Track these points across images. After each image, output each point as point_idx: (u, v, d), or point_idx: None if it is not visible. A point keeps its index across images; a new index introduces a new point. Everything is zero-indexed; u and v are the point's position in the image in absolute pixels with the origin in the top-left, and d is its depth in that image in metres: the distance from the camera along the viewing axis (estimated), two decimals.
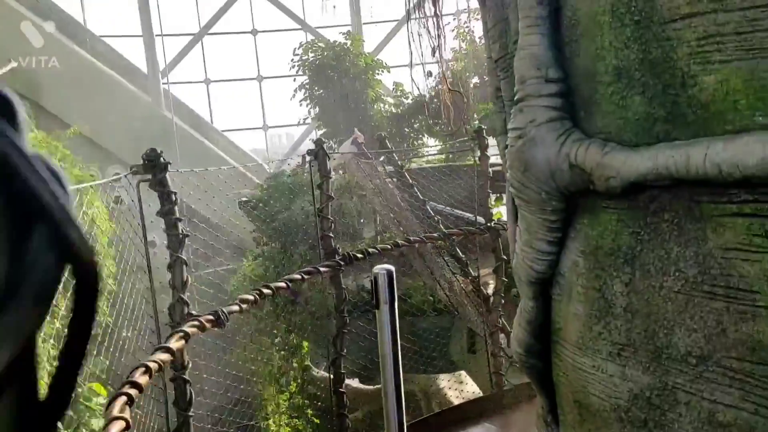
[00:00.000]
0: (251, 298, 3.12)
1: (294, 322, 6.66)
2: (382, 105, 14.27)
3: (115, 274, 10.87)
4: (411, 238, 4.48)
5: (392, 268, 2.24)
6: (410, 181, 6.35)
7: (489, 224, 6.28)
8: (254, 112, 19.52)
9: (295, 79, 14.76)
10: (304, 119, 15.24)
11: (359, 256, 4.07)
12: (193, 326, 3.15)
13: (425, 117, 12.74)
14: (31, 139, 11.53)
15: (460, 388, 8.45)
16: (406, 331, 6.57)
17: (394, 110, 14.10)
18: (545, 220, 1.60)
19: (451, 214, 7.00)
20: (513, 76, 1.72)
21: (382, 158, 6.39)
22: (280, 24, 19.43)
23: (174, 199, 3.29)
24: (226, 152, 18.37)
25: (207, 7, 19.03)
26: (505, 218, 9.45)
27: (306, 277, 3.30)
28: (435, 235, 5.14)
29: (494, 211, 9.17)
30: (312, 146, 5.04)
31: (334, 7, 13.64)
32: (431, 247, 5.80)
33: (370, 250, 4.24)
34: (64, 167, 11.62)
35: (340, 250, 4.57)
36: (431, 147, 14.32)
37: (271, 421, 6.96)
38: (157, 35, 17.40)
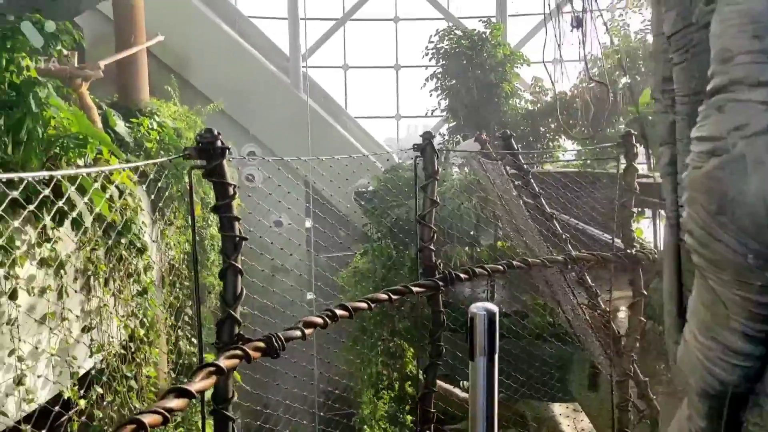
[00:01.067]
0: (319, 321, 2.63)
1: (398, 328, 6.23)
2: (517, 100, 13.42)
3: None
4: (529, 260, 3.80)
5: (495, 308, 1.68)
6: (537, 189, 5.56)
7: (629, 251, 5.40)
8: (389, 101, 19.35)
9: (427, 68, 14.27)
10: (433, 110, 14.72)
11: (463, 276, 3.45)
12: (233, 357, 2.63)
13: (563, 116, 11.77)
14: (173, 112, 11.98)
15: (574, 417, 7.67)
16: (520, 354, 5.90)
17: (530, 107, 13.20)
18: (748, 300, 0.91)
19: (583, 231, 6.16)
20: (696, 58, 1.09)
21: (506, 159, 5.69)
22: (422, 12, 19.06)
23: (232, 192, 2.79)
24: (358, 139, 18.35)
25: None
26: (645, 237, 8.44)
27: (394, 297, 2.79)
28: (560, 258, 4.39)
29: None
30: (439, 140, 4.57)
31: None
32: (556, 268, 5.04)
33: (478, 270, 3.60)
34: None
35: (440, 265, 3.99)
36: (567, 151, 13.31)
37: (366, 426, 6.60)
38: (301, 18, 17.60)
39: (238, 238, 2.80)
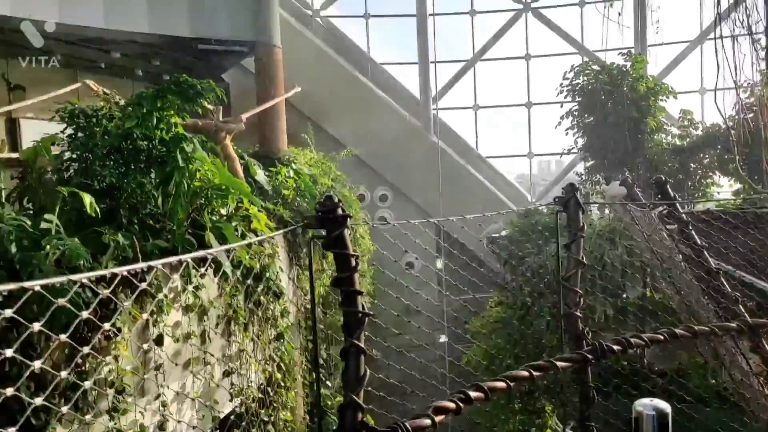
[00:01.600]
0: (451, 406, 2.37)
1: (537, 382, 5.80)
2: (663, 135, 12.44)
3: (372, 292, 11.14)
4: (696, 328, 3.25)
5: (666, 407, 1.40)
6: (698, 241, 4.89)
7: None
8: (521, 139, 18.97)
9: (562, 105, 13.69)
10: (569, 149, 14.06)
11: (617, 348, 3.00)
12: None
13: (717, 151, 10.76)
14: (309, 159, 12.40)
15: None
16: (679, 419, 5.25)
17: (678, 142, 12.18)
18: None
19: (751, 285, 5.34)
20: None
21: (661, 209, 5.10)
22: (555, 48, 18.64)
23: (354, 264, 2.56)
24: (489, 179, 18.09)
25: (481, 33, 19.01)
26: None
27: (536, 374, 2.48)
28: (733, 325, 3.76)
29: None
30: (575, 180, 4.23)
31: (620, 23, 12.34)
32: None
33: (633, 340, 3.10)
34: (334, 187, 12.31)
35: (588, 334, 3.49)
36: (722, 189, 12.11)
37: None
38: (431, 62, 17.79)
39: (360, 314, 2.58)
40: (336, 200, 2.58)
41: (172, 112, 6.32)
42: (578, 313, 3.47)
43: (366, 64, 18.35)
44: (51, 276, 4.43)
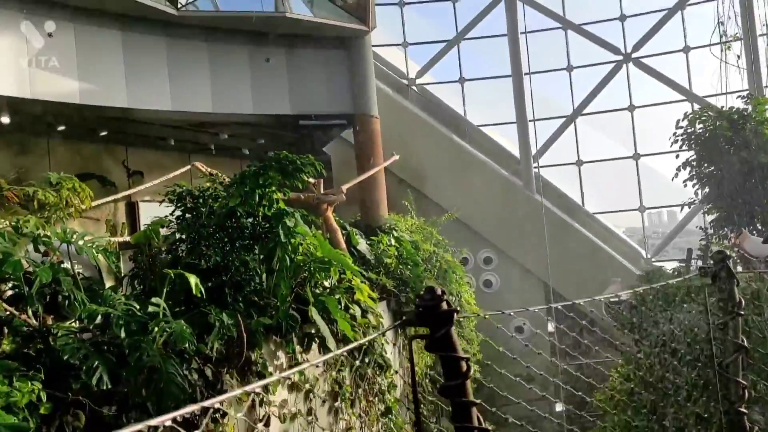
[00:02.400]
0: None
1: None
2: None
3: (481, 360, 10.67)
4: None
5: None
6: None
7: None
8: (630, 192, 18.03)
9: (678, 156, 12.78)
10: (691, 201, 13.04)
11: None
12: None
13: None
14: (410, 225, 12.32)
15: None
16: None
17: None
18: None
19: None
20: None
21: None
22: (661, 96, 17.85)
23: (465, 368, 2.08)
24: (598, 235, 17.25)
25: (581, 88, 18.57)
26: None
27: None
28: None
29: None
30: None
31: (739, 66, 11.47)
32: None
33: None
34: (436, 252, 12.12)
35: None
36: None
37: None
38: (530, 120, 17.50)
39: (476, 431, 2.11)
40: (439, 292, 2.14)
41: (274, 188, 6.42)
42: (743, 409, 2.90)
43: (463, 127, 18.32)
44: (156, 359, 4.45)
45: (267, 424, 5.43)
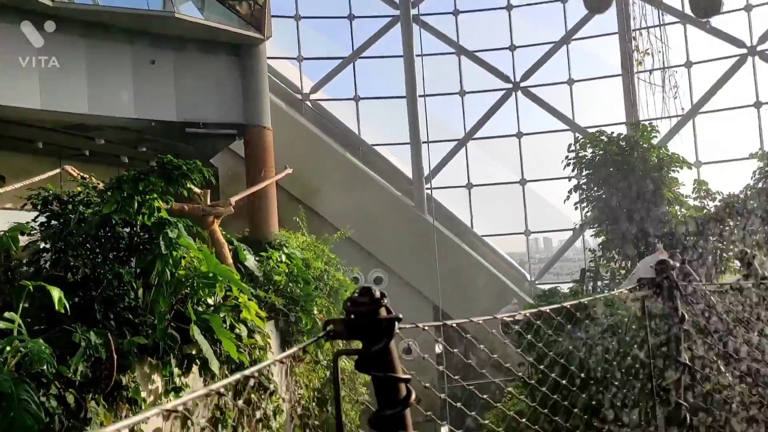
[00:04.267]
0: None
1: None
2: (678, 209, 11.87)
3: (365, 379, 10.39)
4: None
5: None
6: None
7: None
8: (515, 216, 18.60)
9: (570, 179, 13.21)
10: (581, 225, 13.51)
11: None
12: None
13: (738, 223, 10.24)
14: (301, 242, 11.90)
15: None
16: None
17: (694, 214, 11.60)
18: None
19: None
20: None
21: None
22: (546, 125, 18.63)
23: (406, 394, 1.60)
24: (486, 257, 17.60)
25: (473, 113, 19.03)
26: None
27: None
28: None
29: None
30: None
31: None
32: None
33: None
34: (327, 270, 11.75)
35: None
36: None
37: None
38: (423, 142, 17.65)
39: None
40: (378, 294, 1.67)
41: (155, 195, 5.87)
42: None
43: (357, 145, 18.21)
44: (7, 384, 3.83)
45: None
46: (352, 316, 1.61)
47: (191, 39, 10.91)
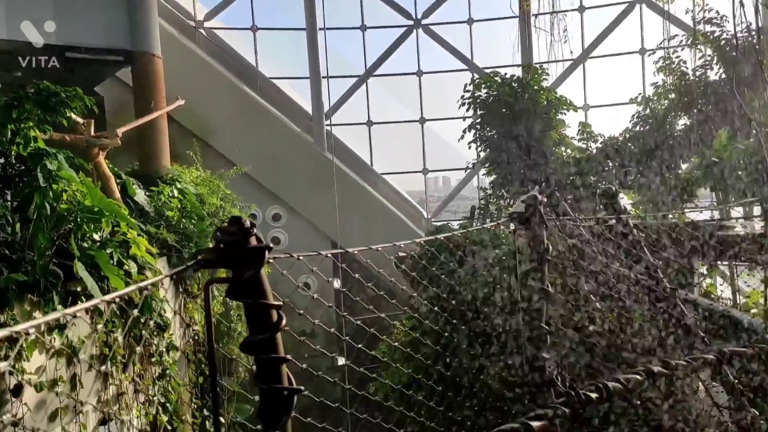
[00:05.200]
0: None
1: None
2: (564, 149, 12.52)
3: None
4: (673, 363, 2.88)
5: None
6: (649, 257, 4.49)
7: None
8: (414, 155, 18.87)
9: (465, 119, 13.51)
10: (473, 163, 13.92)
11: (595, 396, 2.51)
12: None
13: (616, 164, 10.94)
14: (195, 178, 11.55)
15: None
16: None
17: (578, 155, 12.29)
18: None
19: (702, 305, 5.01)
20: None
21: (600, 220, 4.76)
22: (445, 65, 18.78)
23: (276, 319, 1.73)
24: (385, 196, 17.84)
25: (373, 50, 18.84)
26: (722, 294, 7.57)
27: None
28: (709, 357, 3.29)
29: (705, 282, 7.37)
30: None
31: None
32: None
33: (612, 385, 2.62)
34: (223, 206, 11.51)
35: (558, 379, 2.77)
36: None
37: None
38: (323, 77, 17.36)
39: (287, 393, 1.72)
40: (248, 224, 1.71)
41: (31, 124, 5.47)
42: (546, 355, 2.93)
43: (255, 78, 17.65)
44: None
45: (17, 394, 4.67)
46: (223, 246, 1.62)
47: None
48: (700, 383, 3.59)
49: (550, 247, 3.14)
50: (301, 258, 2.23)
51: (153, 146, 11.00)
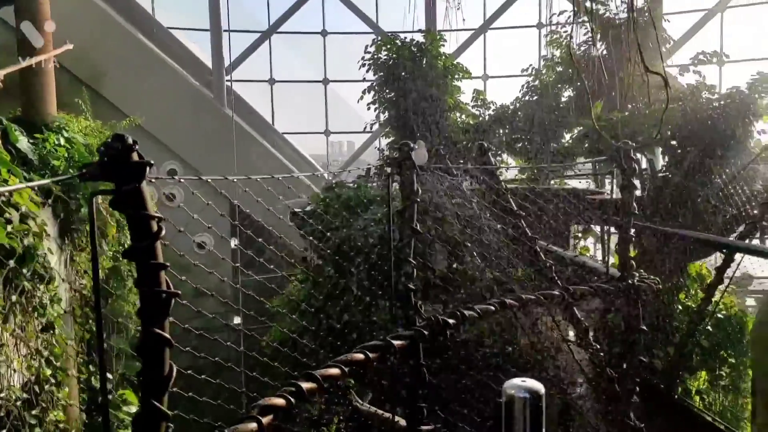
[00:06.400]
0: (281, 402, 1.98)
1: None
2: (459, 114, 12.98)
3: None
4: (523, 296, 3.24)
5: (540, 388, 1.19)
6: (515, 208, 4.93)
7: (631, 281, 4.63)
8: (317, 116, 18.79)
9: (365, 79, 13.63)
10: (372, 124, 14.12)
11: (452, 321, 2.81)
12: None
13: (506, 131, 11.45)
14: (84, 127, 11.01)
15: None
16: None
17: (472, 121, 12.79)
18: None
19: (564, 257, 5.56)
20: None
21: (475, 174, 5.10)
22: (351, 26, 18.72)
23: (156, 229, 1.91)
24: (286, 156, 17.70)
25: (278, 5, 18.46)
26: (608, 257, 8.18)
27: (372, 356, 2.18)
28: (555, 293, 3.75)
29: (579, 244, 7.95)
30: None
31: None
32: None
33: (468, 313, 2.95)
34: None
35: (422, 308, 3.13)
36: (510, 167, 12.93)
37: None
38: (225, 30, 16.85)
39: (165, 295, 1.88)
40: (131, 141, 1.91)
41: None
42: (412, 286, 3.22)
43: (151, 26, 16.86)
44: None
45: None
46: (106, 159, 1.72)
47: None
48: (552, 319, 4.04)
49: (419, 189, 3.41)
50: (195, 217, 2.39)
51: (38, 92, 10.35)
